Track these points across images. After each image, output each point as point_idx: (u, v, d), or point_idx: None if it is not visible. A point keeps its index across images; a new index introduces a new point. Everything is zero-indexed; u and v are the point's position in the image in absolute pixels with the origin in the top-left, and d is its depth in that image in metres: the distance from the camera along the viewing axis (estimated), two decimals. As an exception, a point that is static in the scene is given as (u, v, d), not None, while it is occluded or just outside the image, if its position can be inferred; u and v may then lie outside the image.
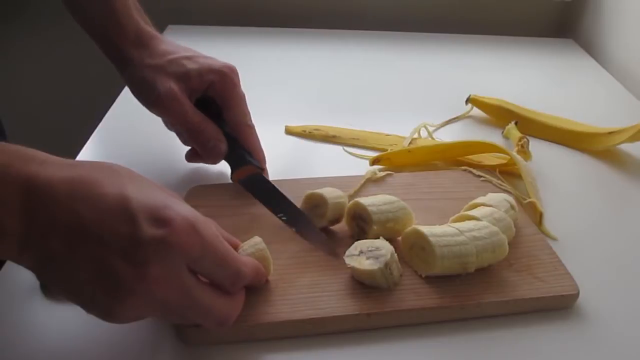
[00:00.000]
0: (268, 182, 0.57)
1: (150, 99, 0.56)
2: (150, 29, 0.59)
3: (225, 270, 0.40)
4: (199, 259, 0.38)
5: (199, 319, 0.40)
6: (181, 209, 0.38)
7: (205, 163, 0.61)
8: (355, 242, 0.49)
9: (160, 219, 0.37)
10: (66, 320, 0.46)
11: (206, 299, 0.39)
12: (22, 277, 0.48)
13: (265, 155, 0.60)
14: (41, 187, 0.35)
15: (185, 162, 0.62)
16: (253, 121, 0.60)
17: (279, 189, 0.56)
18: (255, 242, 0.47)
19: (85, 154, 0.67)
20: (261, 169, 0.59)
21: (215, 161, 0.59)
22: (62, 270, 0.36)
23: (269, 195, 0.56)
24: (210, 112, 0.58)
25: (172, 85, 0.55)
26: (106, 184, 0.37)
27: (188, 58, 0.57)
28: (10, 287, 0.48)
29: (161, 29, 0.99)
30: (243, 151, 0.58)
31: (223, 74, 0.57)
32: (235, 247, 0.46)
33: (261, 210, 0.55)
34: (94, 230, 0.36)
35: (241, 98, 0.59)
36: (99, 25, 0.58)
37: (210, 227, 0.40)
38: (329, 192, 0.53)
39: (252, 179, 0.58)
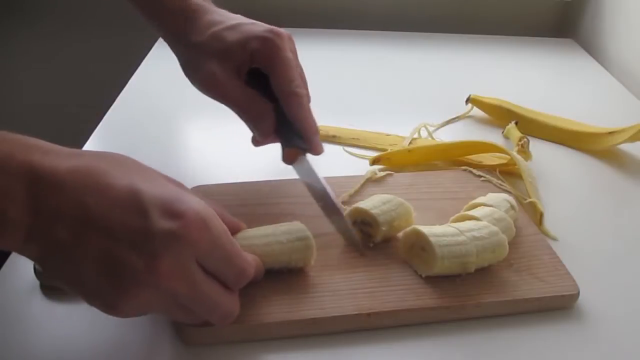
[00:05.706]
0: (309, 168, 0.53)
1: (194, 82, 0.55)
2: None
3: (232, 268, 0.40)
4: (207, 254, 0.38)
5: (205, 314, 0.40)
6: (192, 202, 0.38)
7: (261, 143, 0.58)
8: None
9: (172, 213, 0.36)
10: (66, 320, 0.46)
11: (213, 294, 0.39)
12: (22, 277, 0.48)
13: (309, 142, 0.54)
14: (46, 177, 0.35)
15: (186, 162, 0.62)
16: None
17: (317, 175, 0.53)
18: (298, 229, 0.47)
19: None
20: (304, 149, 0.53)
21: (266, 140, 0.56)
22: (68, 261, 0.36)
23: (310, 182, 0.53)
24: (266, 84, 0.53)
25: (214, 68, 0.52)
26: (113, 175, 0.37)
27: (231, 28, 0.53)
28: (10, 287, 0.48)
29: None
30: (289, 127, 0.53)
31: (264, 39, 0.52)
32: (238, 230, 0.47)
33: (261, 210, 0.55)
34: (102, 221, 0.35)
35: (285, 63, 0.52)
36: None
37: (221, 223, 0.39)
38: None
39: (297, 164, 0.54)
